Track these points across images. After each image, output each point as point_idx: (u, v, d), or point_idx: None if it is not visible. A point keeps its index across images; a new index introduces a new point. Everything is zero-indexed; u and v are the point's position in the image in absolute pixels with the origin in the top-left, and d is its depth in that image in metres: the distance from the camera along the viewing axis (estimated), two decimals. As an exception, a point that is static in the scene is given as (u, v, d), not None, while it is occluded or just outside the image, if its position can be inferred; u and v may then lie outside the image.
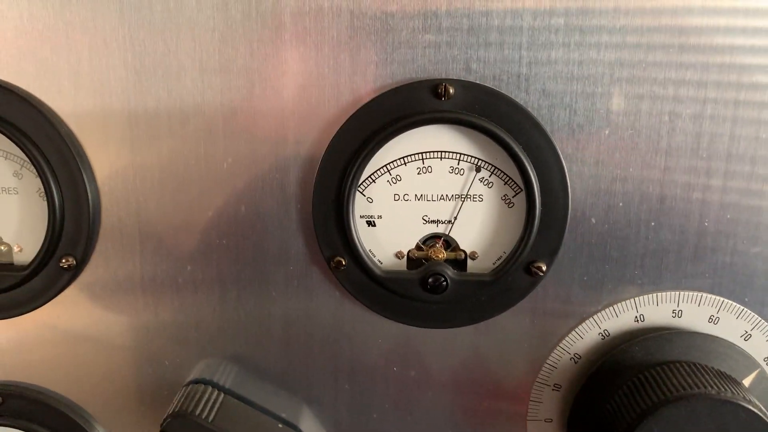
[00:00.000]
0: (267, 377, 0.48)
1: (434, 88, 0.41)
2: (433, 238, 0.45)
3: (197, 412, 0.44)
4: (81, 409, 0.48)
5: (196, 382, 0.47)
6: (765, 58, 0.40)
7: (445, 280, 0.43)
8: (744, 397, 0.40)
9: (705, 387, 0.41)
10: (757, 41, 0.40)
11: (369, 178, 0.44)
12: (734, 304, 0.44)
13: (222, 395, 0.46)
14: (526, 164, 0.42)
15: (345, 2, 0.41)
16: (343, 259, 0.44)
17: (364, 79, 0.42)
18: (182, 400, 0.45)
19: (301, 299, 0.46)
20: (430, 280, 0.44)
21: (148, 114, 0.43)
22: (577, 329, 0.45)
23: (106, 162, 0.44)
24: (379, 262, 0.45)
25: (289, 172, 0.44)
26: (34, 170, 0.44)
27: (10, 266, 0.46)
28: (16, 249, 0.46)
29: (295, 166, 0.43)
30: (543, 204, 0.42)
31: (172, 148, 0.43)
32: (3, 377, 0.48)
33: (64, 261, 0.44)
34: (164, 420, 0.43)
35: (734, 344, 0.44)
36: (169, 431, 0.43)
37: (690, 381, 0.41)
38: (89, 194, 0.44)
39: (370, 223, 0.45)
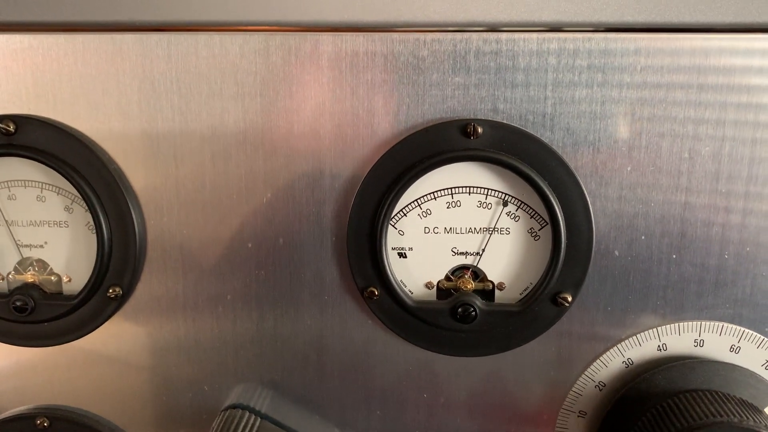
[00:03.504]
0: (301, 402, 0.49)
1: (463, 127, 0.44)
2: (462, 269, 0.47)
3: (236, 435, 0.46)
4: (122, 426, 0.50)
5: (234, 407, 0.49)
6: (781, 100, 0.42)
7: (474, 310, 0.45)
8: (766, 426, 0.41)
9: (728, 415, 0.42)
10: (773, 84, 0.41)
11: (401, 212, 0.46)
12: (755, 333, 0.45)
13: (258, 420, 0.48)
14: (552, 200, 0.43)
15: (379, 47, 0.43)
16: (375, 290, 0.46)
17: (397, 119, 0.44)
18: (221, 424, 0.47)
19: (335, 327, 0.48)
20: (459, 310, 0.45)
21: (193, 152, 0.45)
22: (601, 358, 0.47)
23: (152, 197, 0.46)
24: (410, 292, 0.47)
25: (325, 205, 0.46)
26: (85, 205, 0.46)
27: (59, 296, 0.48)
28: (65, 279, 0.48)
29: (330, 200, 0.46)
30: (568, 237, 0.44)
31: (215, 184, 0.46)
32: (51, 401, 0.50)
33: (111, 291, 0.47)
34: (205, 443, 0.45)
35: (755, 373, 0.45)
36: (209, 455, 0.45)
37: (713, 409, 0.43)
38: (136, 228, 0.46)
39: (402, 255, 0.47)
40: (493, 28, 0.42)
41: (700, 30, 0.41)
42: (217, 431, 0.46)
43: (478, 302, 0.46)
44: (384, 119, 0.44)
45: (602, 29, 0.42)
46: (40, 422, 0.50)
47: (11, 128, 0.45)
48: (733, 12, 0.41)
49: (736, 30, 0.41)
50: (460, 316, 0.45)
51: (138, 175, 0.46)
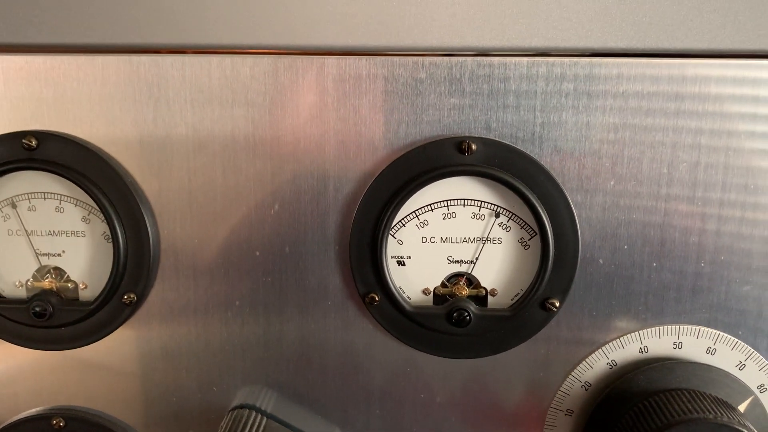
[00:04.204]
0: (305, 402, 0.52)
1: (459, 144, 0.47)
2: (457, 276, 0.50)
3: (244, 433, 0.49)
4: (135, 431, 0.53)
5: (241, 407, 0.52)
6: (750, 124, 0.45)
7: (468, 314, 0.48)
8: (739, 422, 0.45)
9: (704, 412, 0.45)
10: (744, 108, 0.45)
11: (400, 223, 0.49)
12: (729, 336, 0.49)
13: (265, 419, 0.51)
14: (541, 211, 0.47)
15: (380, 70, 0.46)
16: (376, 295, 0.49)
17: (397, 136, 0.47)
18: (230, 424, 0.50)
19: (337, 331, 0.51)
20: (454, 314, 0.48)
21: (205, 167, 0.48)
22: (587, 359, 0.50)
23: (166, 208, 0.49)
24: (408, 297, 0.50)
25: (329, 217, 0.49)
26: (101, 216, 0.49)
27: (76, 302, 0.51)
28: (81, 286, 0.51)
29: (334, 212, 0.49)
30: (556, 246, 0.47)
31: (226, 197, 0.49)
32: (66, 402, 0.53)
33: (126, 297, 0.50)
34: (214, 441, 0.48)
35: (730, 373, 0.49)
36: (219, 452, 0.48)
37: (690, 407, 0.46)
38: (150, 237, 0.49)
39: (401, 263, 0.50)
40: (486, 53, 0.46)
41: (677, 55, 0.45)
42: (225, 430, 0.49)
43: (472, 307, 0.49)
44: (384, 137, 0.47)
45: (587, 54, 0.45)
46: (56, 422, 0.52)
47: (33, 143, 0.47)
48: (708, 39, 0.44)
49: (711, 56, 0.45)
50: (455, 321, 0.49)
51: (152, 188, 0.49)
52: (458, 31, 0.45)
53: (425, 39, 0.46)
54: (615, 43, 0.45)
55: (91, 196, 0.48)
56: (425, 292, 0.50)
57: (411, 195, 0.47)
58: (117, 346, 0.52)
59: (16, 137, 0.48)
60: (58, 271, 0.51)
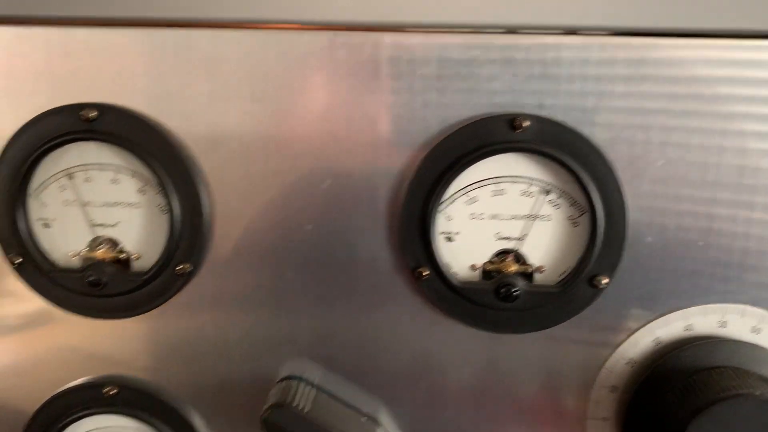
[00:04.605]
0: (351, 376, 0.53)
1: (511, 121, 0.47)
2: (504, 253, 0.51)
3: (294, 403, 0.50)
4: (184, 402, 0.54)
5: (289, 378, 0.53)
6: (804, 100, 0.46)
7: (517, 290, 0.49)
8: (786, 398, 0.45)
9: (749, 388, 0.46)
10: (796, 85, 0.45)
11: (449, 199, 0.50)
12: (775, 316, 0.49)
13: (314, 390, 0.52)
14: (591, 190, 0.47)
15: (434, 52, 0.47)
16: (425, 270, 0.50)
17: (449, 113, 0.48)
18: (279, 393, 0.51)
19: (385, 306, 0.52)
20: (503, 289, 0.49)
21: (261, 140, 0.49)
22: (632, 337, 0.51)
23: (221, 182, 0.50)
24: (456, 273, 0.51)
25: (380, 192, 0.50)
26: (157, 188, 0.50)
27: (128, 272, 0.52)
28: (134, 257, 0.52)
29: (385, 187, 0.49)
30: (605, 224, 0.48)
31: (279, 170, 0.50)
32: (117, 371, 0.54)
33: (179, 268, 0.51)
34: (265, 410, 0.49)
35: (775, 352, 0.49)
36: (270, 420, 0.49)
37: (735, 383, 0.47)
38: (204, 209, 0.50)
39: (449, 239, 0.51)
40: (541, 31, 0.46)
41: (731, 36, 0.45)
42: (276, 398, 0.50)
43: (521, 283, 0.49)
44: (436, 113, 0.48)
45: (643, 33, 0.46)
46: (107, 390, 0.53)
47: (94, 115, 0.48)
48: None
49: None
50: (503, 296, 0.49)
51: (209, 161, 0.50)
52: (512, 8, 0.46)
53: (479, 16, 0.46)
54: (671, 23, 0.45)
55: (148, 168, 0.49)
56: (473, 268, 0.51)
57: (462, 171, 0.48)
58: (168, 317, 0.53)
59: (75, 109, 0.49)
60: (112, 242, 0.52)
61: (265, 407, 0.50)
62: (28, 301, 0.53)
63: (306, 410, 0.50)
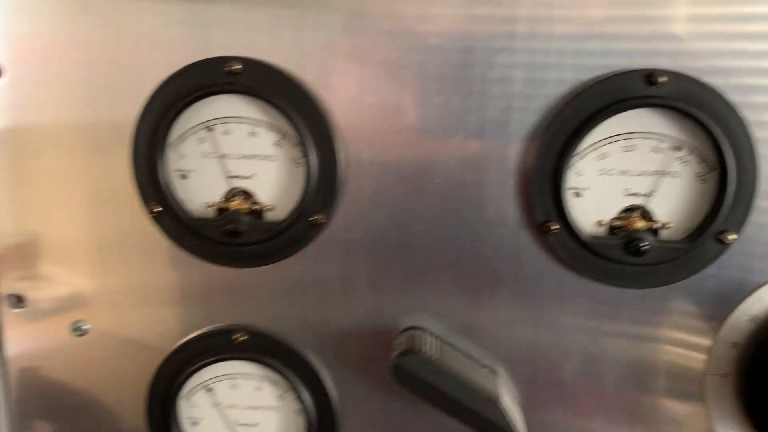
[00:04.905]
0: (472, 330, 0.54)
1: (648, 76, 0.48)
2: (631, 209, 0.52)
3: (423, 350, 0.51)
4: (309, 349, 0.56)
5: (413, 328, 0.54)
6: None
7: (646, 244, 0.50)
8: None
9: None
10: None
11: (580, 154, 0.51)
12: None
13: (437, 340, 0.54)
14: (725, 147, 0.48)
15: (573, 12, 0.48)
16: (554, 225, 0.51)
17: (584, 67, 0.49)
18: (406, 341, 0.52)
19: (510, 259, 0.53)
20: (632, 244, 0.50)
21: (394, 96, 0.51)
22: (756, 293, 0.51)
23: (355, 134, 0.51)
24: (583, 228, 0.52)
25: (511, 146, 0.51)
26: (292, 141, 0.52)
27: (263, 222, 0.53)
28: (268, 208, 0.54)
29: (517, 142, 0.51)
30: (736, 181, 0.49)
31: (413, 125, 0.51)
32: (248, 319, 0.56)
33: (313, 219, 0.52)
34: (396, 356, 0.51)
35: None
36: (401, 365, 0.50)
37: None
38: (339, 163, 0.51)
39: (578, 194, 0.52)
40: (682, -13, 0.47)
41: None
42: (404, 346, 0.52)
43: (650, 238, 0.50)
44: (572, 68, 0.49)
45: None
46: (237, 337, 0.55)
47: (238, 68, 0.50)
48: None
49: None
50: (632, 250, 0.50)
51: (342, 114, 0.51)
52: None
53: (620, -27, 0.47)
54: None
55: (288, 121, 0.51)
56: (599, 224, 0.52)
57: (596, 126, 0.49)
58: (300, 268, 0.54)
59: (219, 62, 0.51)
60: (246, 194, 0.54)
61: (395, 354, 0.51)
62: (162, 248, 0.55)
63: (435, 357, 0.51)
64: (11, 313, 0.57)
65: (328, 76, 0.51)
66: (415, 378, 0.50)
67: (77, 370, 0.58)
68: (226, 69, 0.50)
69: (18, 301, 0.57)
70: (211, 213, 0.54)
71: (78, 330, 0.57)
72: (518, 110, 0.50)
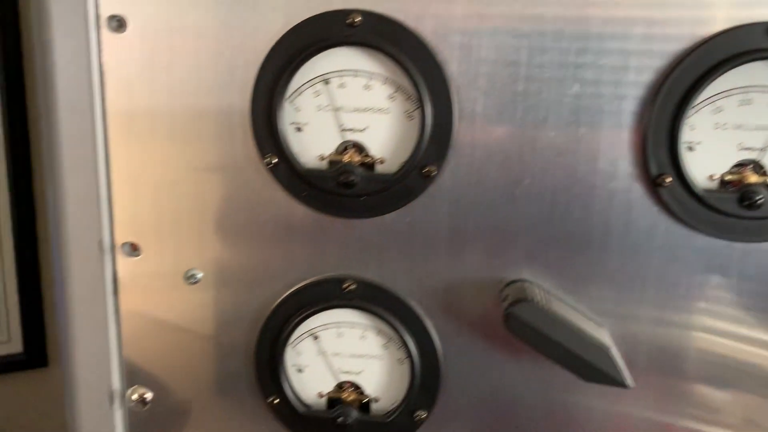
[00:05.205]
0: (580, 282, 0.55)
1: (770, 29, 0.48)
2: (743, 165, 0.52)
3: (535, 300, 0.52)
4: (416, 300, 0.57)
5: (521, 281, 0.55)
6: None
7: (761, 198, 0.50)
8: None
9: None
10: None
11: (695, 107, 0.51)
12: None
13: (544, 292, 0.55)
14: None
15: (699, -46, 0.48)
16: (668, 178, 0.51)
17: (704, 20, 0.49)
18: (517, 291, 0.53)
19: (621, 213, 0.53)
20: (746, 197, 0.50)
21: (509, 49, 0.51)
22: None
23: (469, 87, 0.52)
24: (696, 182, 0.52)
25: (627, 100, 0.51)
26: (406, 94, 0.53)
27: (376, 174, 0.55)
28: (379, 161, 0.55)
29: (633, 95, 0.51)
30: None
31: (528, 77, 0.52)
32: (357, 270, 0.57)
33: (425, 170, 0.53)
34: (510, 305, 0.52)
35: None
36: (515, 313, 0.51)
37: None
38: (453, 115, 0.52)
39: (690, 149, 0.52)
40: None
41: None
42: (514, 296, 0.53)
43: (764, 191, 0.50)
44: (691, 19, 0.49)
45: None
46: (347, 285, 0.57)
47: (359, 20, 0.51)
48: None
49: None
50: (747, 204, 0.50)
51: (458, 67, 0.52)
52: None
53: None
54: None
55: (406, 74, 0.52)
56: (711, 178, 0.52)
57: (716, 78, 0.49)
58: (409, 219, 0.56)
59: (340, 14, 0.52)
60: (358, 147, 0.55)
61: (507, 303, 0.52)
62: (275, 199, 0.56)
63: (546, 307, 0.52)
64: (126, 261, 0.59)
65: (446, 27, 0.52)
66: (528, 326, 0.51)
67: (188, 317, 0.60)
68: (347, 21, 0.51)
69: (132, 249, 0.59)
70: (324, 165, 0.56)
71: (191, 278, 0.59)
72: (634, 68, 0.50)
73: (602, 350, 0.51)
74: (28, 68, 1.13)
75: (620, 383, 0.52)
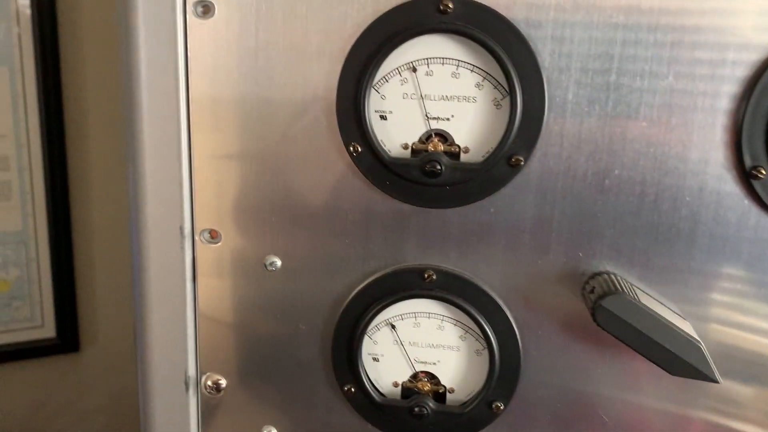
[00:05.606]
0: (665, 275, 0.55)
1: None
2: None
3: (625, 292, 0.52)
4: (496, 292, 0.57)
5: (606, 273, 0.55)
6: None
7: None
8: None
9: None
10: None
11: (795, 98, 0.50)
12: None
13: (629, 284, 0.54)
14: None
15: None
16: (763, 170, 0.51)
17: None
18: (603, 284, 0.53)
19: (712, 204, 0.53)
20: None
21: (606, 43, 0.50)
22: None
23: (559, 75, 0.52)
24: (789, 175, 0.51)
25: (722, 91, 0.50)
26: (493, 82, 0.52)
27: (461, 163, 0.54)
28: (462, 150, 0.55)
29: (729, 84, 0.50)
30: None
31: (621, 68, 0.51)
32: (437, 260, 0.57)
33: (513, 159, 0.53)
34: (599, 298, 0.51)
35: None
36: (604, 306, 0.51)
37: None
38: (544, 104, 0.52)
39: (787, 140, 0.51)
40: None
41: None
42: (602, 289, 0.52)
43: None
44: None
45: None
46: (428, 275, 0.57)
47: (451, 7, 0.51)
48: None
49: None
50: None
51: (551, 56, 0.51)
52: None
53: None
54: None
55: (498, 62, 0.51)
56: (806, 170, 0.51)
57: (818, 69, 0.48)
58: (493, 209, 0.55)
59: (430, 1, 0.51)
60: (442, 135, 0.55)
61: (597, 295, 0.52)
62: (357, 188, 0.56)
63: (636, 300, 0.51)
64: (205, 248, 0.59)
65: (539, 16, 0.51)
66: (618, 319, 0.51)
67: (265, 305, 0.60)
68: (439, 8, 0.51)
69: (212, 236, 0.59)
70: (406, 154, 0.55)
71: (271, 265, 0.59)
72: (731, 61, 0.50)
73: (693, 345, 0.51)
74: (64, 67, 1.14)
75: (710, 378, 0.51)
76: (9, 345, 1.26)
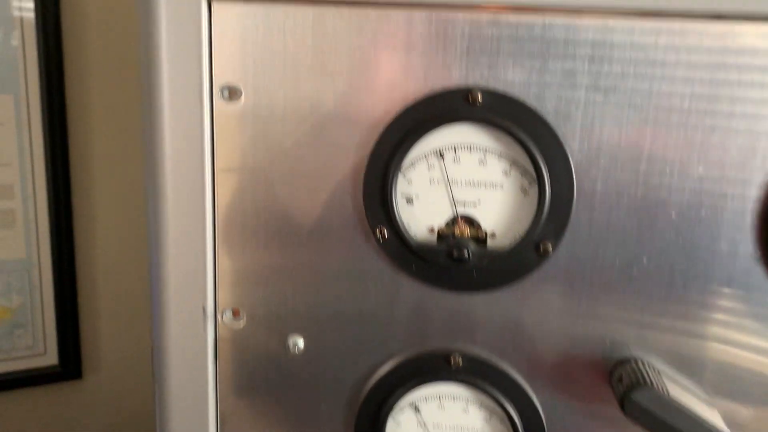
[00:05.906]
0: (692, 366, 0.54)
1: None
2: None
3: (654, 384, 0.51)
4: (524, 378, 0.56)
5: (634, 360, 0.54)
6: None
7: None
8: None
9: None
10: None
11: (823, 193, 0.50)
12: None
13: (659, 373, 0.53)
14: None
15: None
16: (793, 262, 0.50)
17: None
18: (633, 373, 0.52)
19: (741, 295, 0.52)
20: None
21: (636, 136, 0.50)
22: None
23: (597, 171, 0.51)
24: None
25: (752, 184, 0.50)
26: (521, 170, 0.52)
27: (488, 248, 0.54)
28: (489, 235, 0.54)
29: (759, 179, 0.50)
30: None
31: (652, 157, 0.51)
32: (463, 344, 0.56)
33: (541, 246, 0.53)
34: (628, 389, 0.51)
35: None
36: (634, 399, 0.50)
37: None
38: (572, 191, 0.52)
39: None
40: None
41: None
42: (630, 379, 0.51)
43: None
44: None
45: None
46: (454, 359, 0.56)
47: (480, 98, 0.51)
48: None
49: None
50: None
51: (580, 145, 0.51)
52: None
53: None
54: None
55: (525, 151, 0.51)
56: (837, 260, 0.51)
57: None
58: (519, 294, 0.55)
59: (460, 92, 0.51)
60: (469, 220, 0.54)
61: (624, 386, 0.51)
62: (381, 272, 0.56)
63: (665, 392, 0.51)
64: (226, 327, 0.59)
65: (567, 107, 0.51)
66: (647, 412, 0.50)
67: (287, 384, 0.59)
68: (468, 98, 0.51)
69: (234, 315, 0.59)
70: (432, 237, 0.55)
71: (294, 346, 0.58)
72: (762, 150, 0.50)
73: (723, 438, 0.50)
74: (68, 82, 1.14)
75: (741, 472, 0.50)
76: (11, 373, 1.24)
